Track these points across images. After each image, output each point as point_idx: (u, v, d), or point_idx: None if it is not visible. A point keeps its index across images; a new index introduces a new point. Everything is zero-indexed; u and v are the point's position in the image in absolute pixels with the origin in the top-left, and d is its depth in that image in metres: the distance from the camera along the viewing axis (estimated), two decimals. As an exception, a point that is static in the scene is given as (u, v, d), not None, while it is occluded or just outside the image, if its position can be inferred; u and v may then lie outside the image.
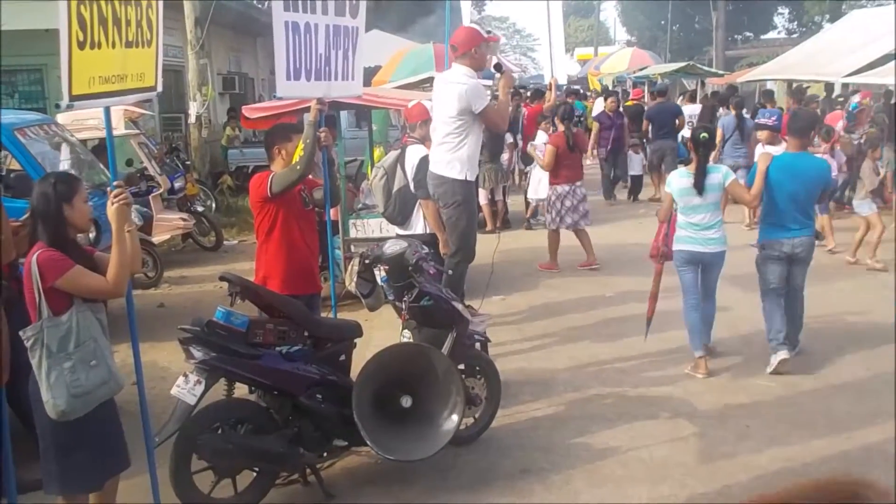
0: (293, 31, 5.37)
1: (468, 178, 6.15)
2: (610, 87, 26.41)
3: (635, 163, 15.35)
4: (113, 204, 3.71)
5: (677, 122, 14.84)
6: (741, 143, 12.29)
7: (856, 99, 15.11)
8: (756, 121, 10.08)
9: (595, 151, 15.05)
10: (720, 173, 6.38)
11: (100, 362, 3.62)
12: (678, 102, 18.46)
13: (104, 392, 3.66)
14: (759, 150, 8.93)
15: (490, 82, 7.65)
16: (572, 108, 11.11)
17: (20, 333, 3.66)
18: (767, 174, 6.30)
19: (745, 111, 12.87)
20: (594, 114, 17.45)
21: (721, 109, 15.61)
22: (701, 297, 6.49)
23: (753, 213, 10.71)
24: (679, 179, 6.42)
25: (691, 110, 16.86)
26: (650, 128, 15.15)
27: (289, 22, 5.33)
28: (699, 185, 6.26)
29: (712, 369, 6.36)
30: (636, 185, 15.37)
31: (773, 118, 8.59)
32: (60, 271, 3.55)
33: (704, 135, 6.42)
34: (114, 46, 3.69)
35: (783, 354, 6.26)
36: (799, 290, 6.54)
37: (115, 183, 3.79)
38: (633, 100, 17.55)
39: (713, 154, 9.79)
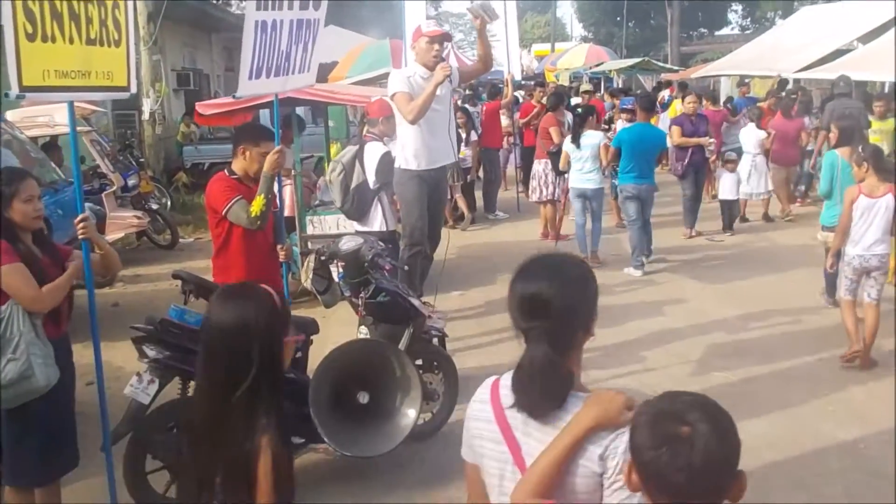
0: (261, 30, 5.18)
1: (402, 167, 6.64)
2: (567, 84, 26.46)
3: (727, 184, 11.55)
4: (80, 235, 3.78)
5: None
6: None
7: (667, 93, 18.41)
8: (621, 106, 12.99)
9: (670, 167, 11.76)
10: (597, 138, 9.42)
11: (20, 357, 3.53)
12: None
13: (24, 388, 3.56)
14: (619, 124, 11.63)
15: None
16: (559, 99, 11.78)
17: None
18: (624, 139, 9.29)
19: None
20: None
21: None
22: (589, 220, 9.55)
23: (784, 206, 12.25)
24: (568, 141, 9.49)
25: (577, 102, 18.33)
26: None
27: (258, 21, 5.12)
28: (576, 142, 9.32)
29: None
30: (729, 211, 11.57)
31: (631, 104, 11.41)
32: None
33: (579, 110, 10.18)
34: (72, 42, 3.69)
35: (637, 274, 9.09)
36: (647, 220, 9.43)
37: (79, 218, 3.79)
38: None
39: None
